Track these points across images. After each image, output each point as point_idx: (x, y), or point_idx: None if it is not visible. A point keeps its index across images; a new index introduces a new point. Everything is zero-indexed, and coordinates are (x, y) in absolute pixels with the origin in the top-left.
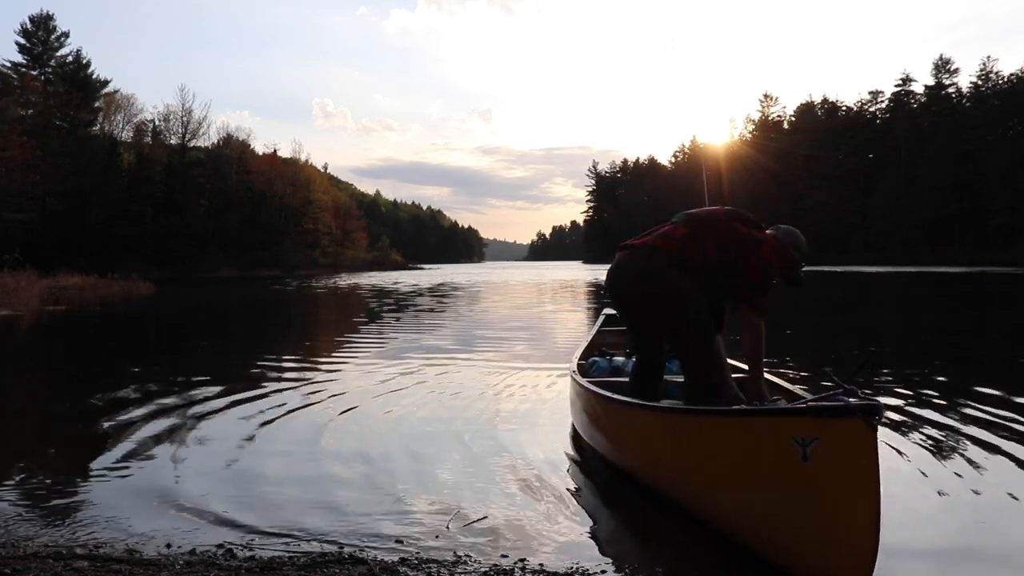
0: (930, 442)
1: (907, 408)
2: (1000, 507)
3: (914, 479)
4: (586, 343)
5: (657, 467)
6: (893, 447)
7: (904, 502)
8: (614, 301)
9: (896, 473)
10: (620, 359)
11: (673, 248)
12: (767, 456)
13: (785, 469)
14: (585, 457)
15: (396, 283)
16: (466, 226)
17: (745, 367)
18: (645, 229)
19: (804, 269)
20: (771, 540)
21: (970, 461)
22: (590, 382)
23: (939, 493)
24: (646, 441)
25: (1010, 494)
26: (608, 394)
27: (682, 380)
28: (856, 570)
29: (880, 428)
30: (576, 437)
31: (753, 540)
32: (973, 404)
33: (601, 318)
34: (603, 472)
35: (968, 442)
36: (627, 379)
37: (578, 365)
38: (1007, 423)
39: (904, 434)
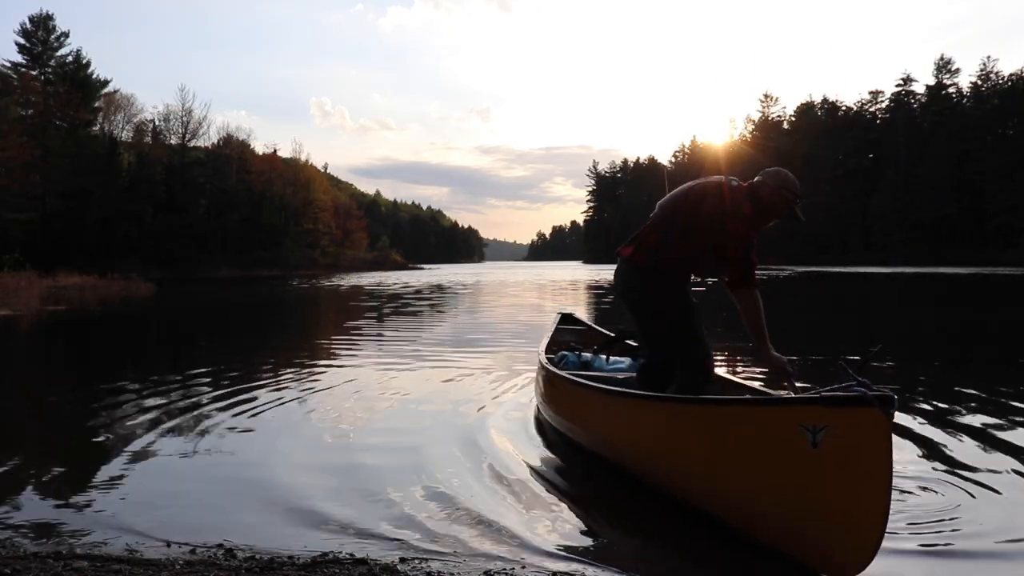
0: (925, 439)
1: (904, 407)
2: (992, 504)
3: (907, 475)
4: (547, 339)
5: (654, 457)
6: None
7: (895, 497)
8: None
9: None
10: (588, 355)
11: (644, 259)
12: (777, 443)
13: (794, 455)
14: (586, 456)
15: (396, 283)
16: (466, 226)
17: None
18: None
19: (801, 216)
20: (775, 524)
21: (966, 459)
22: (572, 374)
23: (931, 490)
24: (644, 432)
25: (1001, 492)
26: (608, 387)
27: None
28: (862, 553)
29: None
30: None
31: (756, 525)
32: (971, 404)
33: (556, 317)
34: (604, 470)
35: (964, 441)
36: (598, 373)
37: (547, 359)
38: (1003, 423)
39: (900, 431)
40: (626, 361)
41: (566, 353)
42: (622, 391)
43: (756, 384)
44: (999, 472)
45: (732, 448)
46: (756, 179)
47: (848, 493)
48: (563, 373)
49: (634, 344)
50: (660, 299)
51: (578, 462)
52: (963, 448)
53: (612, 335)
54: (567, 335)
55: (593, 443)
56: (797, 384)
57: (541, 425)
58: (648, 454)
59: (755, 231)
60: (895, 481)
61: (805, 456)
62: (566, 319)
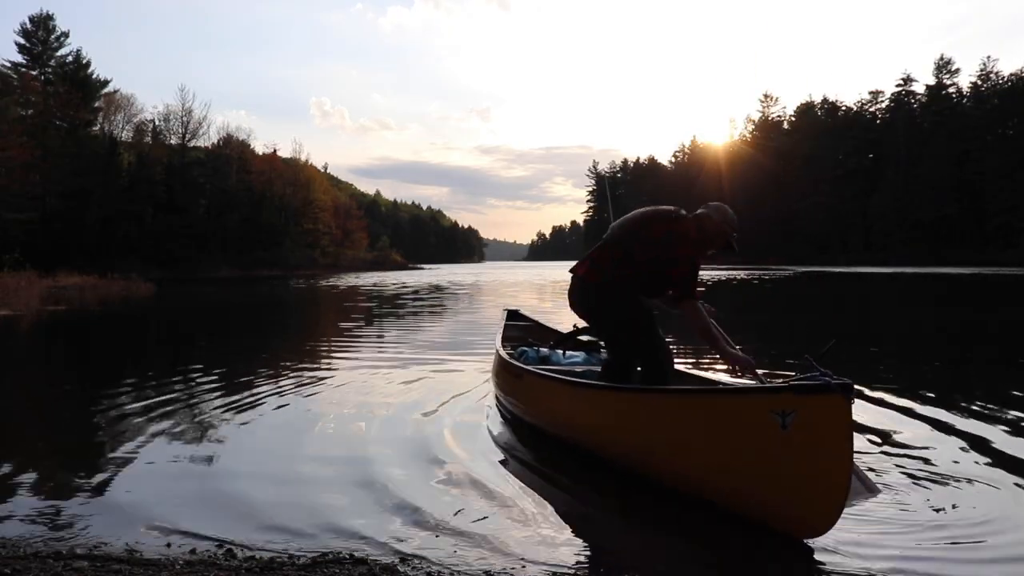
0: (925, 439)
1: (903, 406)
2: (991, 504)
3: (905, 473)
4: (500, 335)
5: (635, 444)
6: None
7: (891, 495)
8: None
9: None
10: (545, 350)
11: (598, 276)
12: (750, 427)
13: (766, 437)
14: (583, 455)
15: (395, 284)
16: (466, 226)
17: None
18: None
19: (737, 242)
20: (750, 496)
21: (965, 458)
22: (545, 369)
23: (930, 489)
24: (630, 421)
25: (1000, 491)
26: (601, 384)
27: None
28: (828, 516)
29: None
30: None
31: (733, 498)
32: (970, 404)
33: (504, 313)
34: (601, 469)
35: (964, 441)
36: (558, 367)
37: (508, 354)
38: (1003, 423)
39: (899, 430)
40: (581, 355)
41: (525, 349)
42: (615, 386)
43: (704, 374)
44: (998, 471)
45: (711, 432)
46: (700, 211)
47: (815, 467)
48: (538, 369)
49: (586, 340)
50: (618, 310)
51: (574, 460)
52: (962, 447)
53: (557, 330)
54: (515, 330)
55: (570, 433)
56: (760, 373)
57: (524, 421)
58: (630, 441)
59: (699, 256)
60: (892, 479)
61: (776, 438)
62: (513, 315)
